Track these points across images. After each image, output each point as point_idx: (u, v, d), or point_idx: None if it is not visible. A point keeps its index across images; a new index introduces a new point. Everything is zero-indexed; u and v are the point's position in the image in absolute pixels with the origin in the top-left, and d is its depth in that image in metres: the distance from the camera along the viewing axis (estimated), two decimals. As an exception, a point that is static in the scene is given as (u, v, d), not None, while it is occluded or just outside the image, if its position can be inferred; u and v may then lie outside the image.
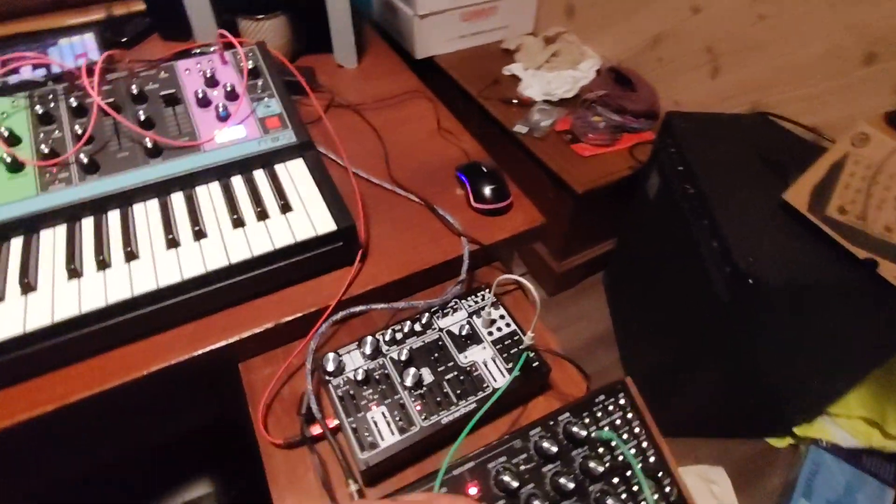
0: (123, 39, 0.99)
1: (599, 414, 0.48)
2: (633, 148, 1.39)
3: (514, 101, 1.54)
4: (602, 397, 0.49)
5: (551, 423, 0.47)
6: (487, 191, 0.72)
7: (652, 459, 0.47)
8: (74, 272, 0.56)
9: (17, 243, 0.58)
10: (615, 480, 0.46)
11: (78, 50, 0.94)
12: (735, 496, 1.20)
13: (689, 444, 1.35)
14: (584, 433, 0.45)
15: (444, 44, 1.71)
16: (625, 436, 0.48)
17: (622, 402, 0.49)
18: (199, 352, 0.57)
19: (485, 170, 0.74)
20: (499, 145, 1.59)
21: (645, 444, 0.48)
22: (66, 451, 0.65)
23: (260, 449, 0.56)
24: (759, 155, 1.10)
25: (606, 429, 0.48)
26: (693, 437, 1.35)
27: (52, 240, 0.59)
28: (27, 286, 0.54)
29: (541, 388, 0.60)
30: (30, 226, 0.59)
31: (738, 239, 0.94)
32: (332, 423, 0.54)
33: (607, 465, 0.45)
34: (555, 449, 0.45)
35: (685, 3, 1.33)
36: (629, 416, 0.49)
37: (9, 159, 0.60)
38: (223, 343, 0.58)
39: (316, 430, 0.54)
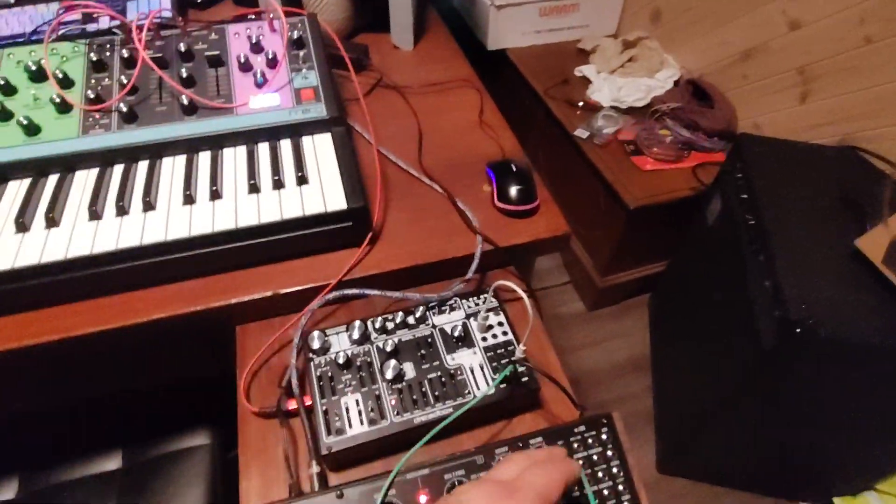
0: (199, 1, 1.03)
1: (576, 445, 0.45)
2: (699, 168, 1.29)
3: (580, 103, 1.48)
4: (582, 428, 0.45)
5: (520, 444, 0.44)
6: (513, 191, 0.68)
7: (630, 502, 0.43)
8: (95, 214, 0.58)
9: (52, 180, 0.62)
10: (577, 519, 0.42)
11: (154, 6, 0.99)
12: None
13: (713, 493, 1.26)
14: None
15: (519, 37, 1.67)
16: (599, 473, 0.44)
17: (604, 437, 0.45)
18: (200, 308, 0.59)
19: (514, 169, 0.71)
20: (557, 148, 1.54)
21: (621, 488, 0.44)
22: (68, 380, 0.69)
23: (238, 413, 0.56)
24: (838, 193, 0.99)
25: (580, 462, 0.44)
26: (718, 485, 1.26)
27: (84, 181, 0.62)
28: (51, 221, 0.57)
29: (529, 406, 0.56)
30: (67, 165, 0.62)
31: (793, 281, 0.85)
32: (309, 401, 0.53)
33: (572, 500, 0.41)
34: (515, 473, 0.41)
35: (783, 18, 1.21)
36: (608, 453, 0.44)
37: (58, 100, 0.63)
38: (222, 303, 0.59)
39: (292, 405, 0.54)
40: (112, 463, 0.79)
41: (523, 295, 0.48)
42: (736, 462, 1.19)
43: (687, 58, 1.52)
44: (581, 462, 0.44)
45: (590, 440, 0.45)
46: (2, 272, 0.53)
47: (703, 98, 1.38)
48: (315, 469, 0.49)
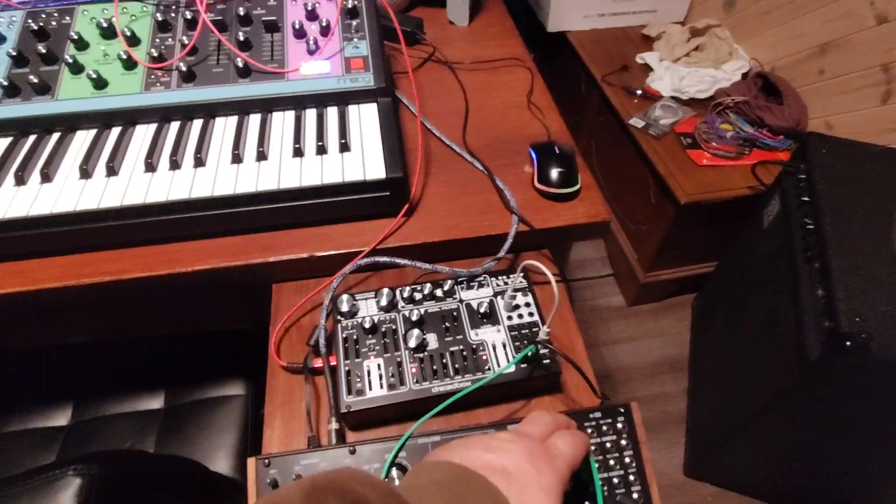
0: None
1: (590, 430, 0.44)
2: (759, 166, 1.23)
3: (639, 92, 1.42)
4: (598, 415, 0.45)
5: (533, 422, 0.44)
6: (554, 173, 0.67)
7: (636, 496, 0.42)
8: (151, 166, 0.61)
9: (115, 132, 0.65)
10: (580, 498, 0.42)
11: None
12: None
13: (741, 502, 1.22)
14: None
15: (581, 20, 1.62)
16: (611, 461, 0.43)
17: (619, 426, 0.44)
18: (239, 263, 0.61)
19: (558, 151, 0.69)
20: (610, 136, 1.50)
21: (632, 478, 0.43)
22: (119, 320, 0.73)
23: (268, 366, 0.59)
24: (911, 203, 0.91)
25: (592, 448, 0.44)
26: (747, 495, 1.22)
27: (143, 135, 0.65)
28: (111, 170, 0.61)
29: (549, 389, 0.56)
30: (129, 119, 0.66)
31: (849, 293, 0.81)
32: (334, 361, 0.55)
33: (580, 482, 0.41)
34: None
35: (870, 11, 1.12)
36: (623, 442, 0.44)
37: (125, 57, 0.66)
38: (261, 261, 0.61)
39: (318, 363, 0.56)
40: (155, 402, 0.84)
41: (550, 277, 0.47)
42: (768, 473, 1.15)
43: (758, 49, 1.44)
44: (594, 448, 0.44)
45: (605, 427, 0.44)
46: (64, 214, 0.57)
47: (772, 93, 1.30)
48: (334, 426, 0.51)
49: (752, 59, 1.44)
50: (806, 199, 0.98)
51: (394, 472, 0.41)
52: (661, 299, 1.57)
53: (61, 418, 0.83)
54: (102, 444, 0.79)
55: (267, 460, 0.42)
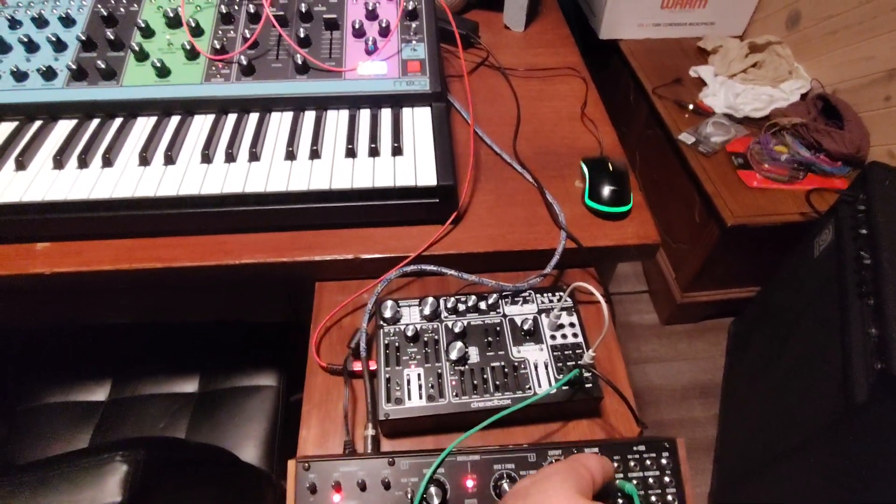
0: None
1: (633, 464, 0.43)
2: (813, 193, 1.18)
3: (690, 106, 1.39)
4: (643, 448, 0.43)
5: (574, 450, 0.43)
6: (606, 190, 0.66)
7: (677, 535, 0.41)
8: (207, 158, 0.62)
9: (174, 121, 0.67)
10: (623, 538, 0.41)
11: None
12: None
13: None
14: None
15: (635, 28, 1.58)
16: (653, 498, 0.42)
17: (664, 461, 0.43)
18: (285, 259, 0.62)
19: (611, 168, 0.68)
20: (657, 151, 1.46)
21: (673, 516, 0.42)
22: (162, 304, 0.75)
23: (307, 364, 0.59)
24: (981, 244, 0.87)
25: (634, 482, 0.42)
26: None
27: (201, 126, 0.66)
28: (169, 158, 0.62)
29: (587, 413, 0.55)
30: (188, 108, 0.67)
31: (905, 334, 0.77)
32: (374, 366, 0.55)
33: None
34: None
35: (947, 38, 1.07)
36: (666, 479, 0.43)
37: (189, 47, 0.67)
38: (306, 258, 0.62)
39: (358, 366, 0.56)
40: (189, 386, 0.86)
41: (602, 301, 0.46)
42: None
43: (821, 70, 1.38)
44: (636, 483, 0.42)
45: (648, 461, 0.43)
46: (122, 200, 0.58)
47: (833, 117, 1.25)
48: (371, 431, 0.51)
49: (814, 79, 1.38)
50: (863, 231, 0.94)
51: (432, 488, 0.41)
52: (697, 321, 1.53)
53: (100, 393, 0.85)
54: (137, 423, 0.81)
55: (307, 464, 0.42)
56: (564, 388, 0.52)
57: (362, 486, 0.42)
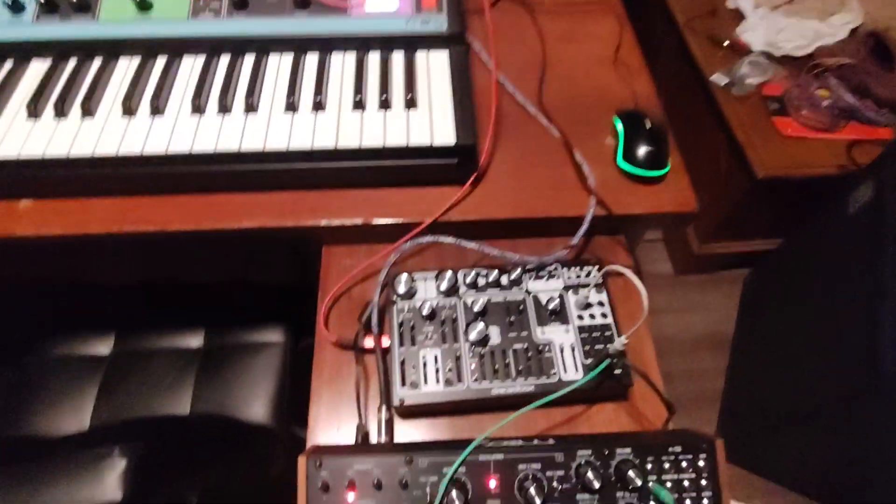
0: None
1: (667, 465, 0.40)
2: (855, 144, 1.10)
3: (726, 43, 1.27)
4: (678, 449, 0.40)
5: (606, 452, 0.40)
6: (642, 151, 0.59)
7: (710, 540, 0.39)
8: (198, 108, 0.56)
9: (160, 63, 0.59)
10: (653, 543, 0.39)
11: None
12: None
13: (767, 488, 1.21)
14: (639, 482, 0.38)
15: (669, -49, 1.42)
16: (687, 501, 0.40)
17: (701, 463, 0.40)
18: (288, 224, 0.57)
19: (648, 125, 0.61)
20: (684, 90, 1.36)
21: (708, 521, 0.39)
22: (161, 263, 0.71)
23: (315, 337, 0.56)
24: None
25: (668, 485, 0.40)
26: (774, 481, 1.20)
27: (190, 69, 0.59)
28: (156, 108, 0.56)
29: (614, 396, 0.52)
30: (175, 49, 0.60)
31: (946, 305, 0.73)
32: (386, 342, 0.52)
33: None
34: (598, 484, 0.38)
35: None
36: (703, 482, 0.40)
37: (171, -25, 0.59)
38: (311, 223, 0.57)
39: (369, 343, 0.52)
40: (194, 341, 0.84)
41: (642, 291, 0.42)
42: (801, 468, 1.12)
43: (875, 3, 1.25)
44: (669, 485, 0.40)
45: (684, 463, 0.40)
46: (105, 158, 0.53)
47: (885, 58, 1.14)
48: (384, 415, 0.49)
49: (867, 13, 1.25)
50: (909, 189, 0.87)
51: (453, 491, 0.38)
52: (712, 272, 1.49)
53: (103, 348, 0.83)
54: (143, 379, 0.80)
55: (318, 461, 0.39)
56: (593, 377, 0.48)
57: (378, 485, 0.39)
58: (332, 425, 0.51)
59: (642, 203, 0.59)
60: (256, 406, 0.79)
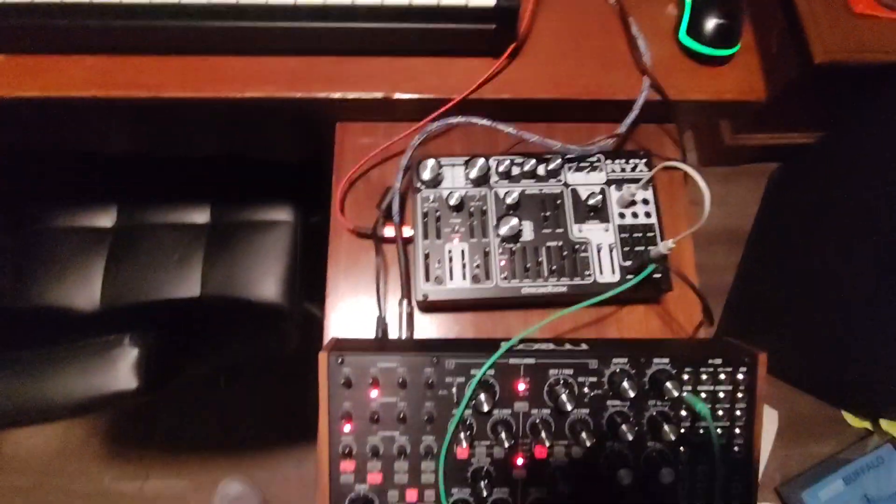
0: None
1: (704, 377, 0.38)
2: (935, 26, 0.96)
3: None
4: (719, 361, 0.38)
5: (642, 360, 0.38)
6: (710, 24, 0.50)
7: (737, 449, 0.38)
8: (187, -55, 0.46)
9: None
10: (680, 451, 0.38)
11: None
12: (772, 441, 1.15)
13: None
14: (675, 393, 0.36)
15: None
16: (720, 412, 0.39)
17: (740, 377, 0.38)
18: (299, 95, 0.50)
19: (725, -8, 0.51)
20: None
21: (738, 432, 0.39)
22: (163, 133, 0.65)
23: (330, 224, 0.52)
24: None
25: (703, 395, 0.38)
26: (773, 375, 1.25)
27: None
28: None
29: (645, 299, 0.50)
30: None
31: None
32: (408, 232, 0.48)
33: (681, 434, 0.37)
34: (632, 393, 0.36)
35: None
36: (738, 395, 0.38)
37: None
38: (325, 95, 0.50)
39: (389, 231, 0.49)
40: (200, 217, 0.80)
41: (705, 192, 0.37)
42: (800, 359, 1.15)
43: None
44: (704, 396, 0.38)
45: (722, 375, 0.38)
46: (80, 3, 0.44)
47: None
48: (406, 309, 0.46)
49: None
50: None
51: (481, 394, 0.37)
52: (738, 164, 1.42)
53: (105, 219, 0.80)
54: (151, 254, 0.77)
55: (340, 358, 0.37)
56: (629, 276, 0.45)
57: (402, 384, 0.38)
58: (350, 316, 0.49)
59: (703, 87, 0.52)
60: (267, 284, 0.77)
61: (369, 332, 0.48)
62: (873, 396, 1.12)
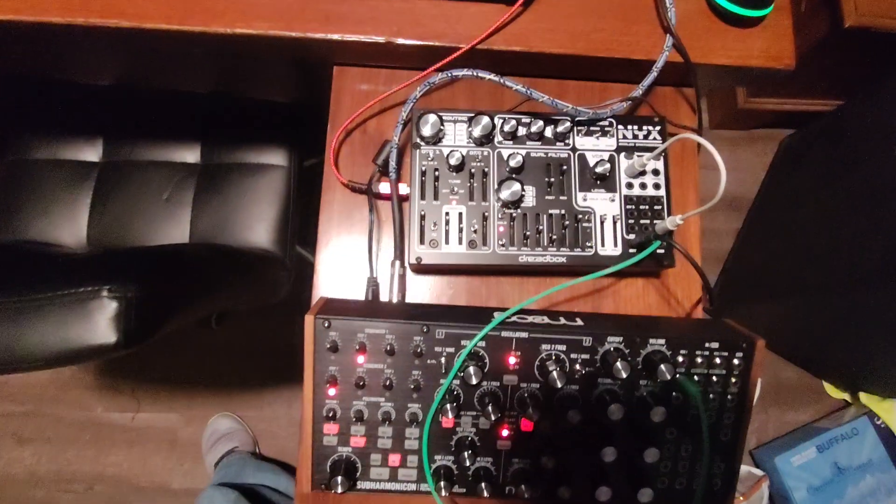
0: None
1: (699, 360, 0.37)
2: (976, -7, 0.91)
3: None
4: (715, 346, 0.37)
5: (637, 340, 0.37)
6: (747, -20, 0.46)
7: (724, 433, 0.38)
8: None
9: None
10: (667, 432, 0.38)
11: None
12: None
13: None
14: (668, 376, 0.36)
15: None
16: (710, 395, 0.38)
17: (735, 362, 0.38)
18: (291, 34, 0.46)
19: (766, -57, 0.46)
20: None
21: (728, 416, 0.38)
22: (150, 66, 0.61)
23: (323, 175, 0.49)
24: None
25: (696, 378, 0.38)
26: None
27: None
28: None
29: (645, 273, 0.48)
30: None
31: None
32: (405, 189, 0.46)
33: (669, 415, 0.36)
34: (625, 374, 0.36)
35: None
36: (733, 380, 0.38)
37: None
38: (321, 36, 0.46)
39: (385, 188, 0.46)
40: (190, 156, 0.77)
41: (722, 171, 0.35)
42: (785, 331, 1.16)
43: None
44: (697, 379, 0.38)
45: (717, 360, 0.38)
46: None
47: None
48: (398, 270, 0.45)
49: None
50: None
51: (470, 367, 0.36)
52: (749, 128, 1.37)
53: (91, 154, 0.77)
54: (140, 191, 0.75)
55: (327, 321, 0.36)
56: (631, 250, 0.44)
57: (390, 351, 0.37)
58: (341, 273, 0.48)
59: (728, 50, 0.48)
60: (259, 231, 0.75)
61: (360, 292, 0.46)
62: (856, 370, 1.14)
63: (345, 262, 0.48)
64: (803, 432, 1.16)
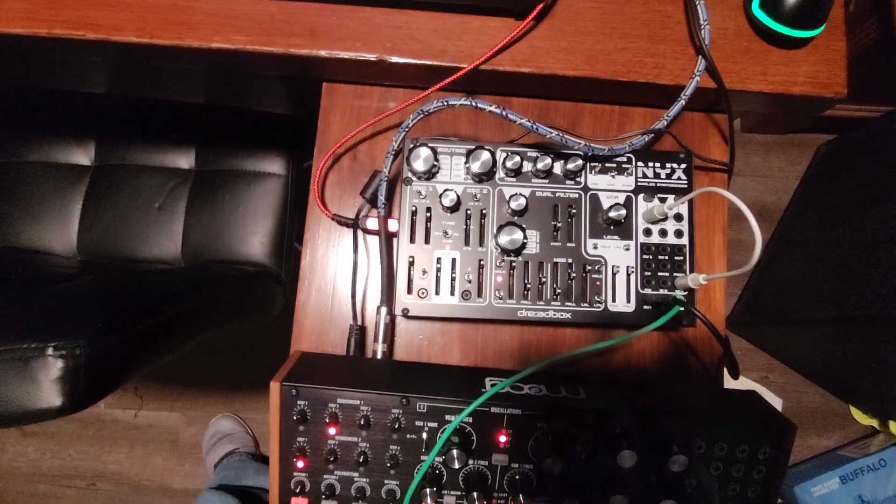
0: None
1: (719, 452, 0.32)
2: None
3: None
4: (739, 433, 0.32)
5: (649, 423, 0.32)
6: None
7: (744, 525, 0.33)
8: None
9: None
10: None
11: None
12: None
13: (769, 365, 1.21)
14: (681, 469, 0.31)
15: None
16: (731, 489, 0.33)
17: (761, 456, 0.32)
18: (277, 51, 0.41)
19: (819, -48, 0.40)
20: None
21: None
22: (138, 76, 0.57)
23: (308, 205, 0.45)
24: None
25: (713, 471, 0.33)
26: (778, 359, 1.20)
27: None
28: None
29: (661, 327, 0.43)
30: None
31: None
32: (395, 226, 0.41)
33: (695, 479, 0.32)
34: (632, 462, 0.31)
35: None
36: (756, 475, 0.33)
37: None
38: (307, 52, 0.41)
39: (373, 223, 0.42)
40: (184, 161, 0.74)
41: (757, 236, 0.30)
42: (813, 353, 1.09)
43: None
44: (715, 473, 0.33)
45: (740, 451, 0.33)
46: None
47: None
48: (385, 319, 0.40)
49: None
50: None
51: (454, 451, 0.32)
52: (783, 132, 1.29)
53: (82, 157, 0.73)
54: (132, 197, 0.72)
55: (295, 389, 0.32)
56: (646, 307, 0.38)
57: (365, 424, 0.33)
58: (320, 323, 0.43)
59: (769, 76, 0.42)
60: (255, 244, 0.72)
61: (345, 337, 0.42)
62: (888, 396, 1.07)
63: (328, 305, 0.43)
64: (826, 460, 1.10)
